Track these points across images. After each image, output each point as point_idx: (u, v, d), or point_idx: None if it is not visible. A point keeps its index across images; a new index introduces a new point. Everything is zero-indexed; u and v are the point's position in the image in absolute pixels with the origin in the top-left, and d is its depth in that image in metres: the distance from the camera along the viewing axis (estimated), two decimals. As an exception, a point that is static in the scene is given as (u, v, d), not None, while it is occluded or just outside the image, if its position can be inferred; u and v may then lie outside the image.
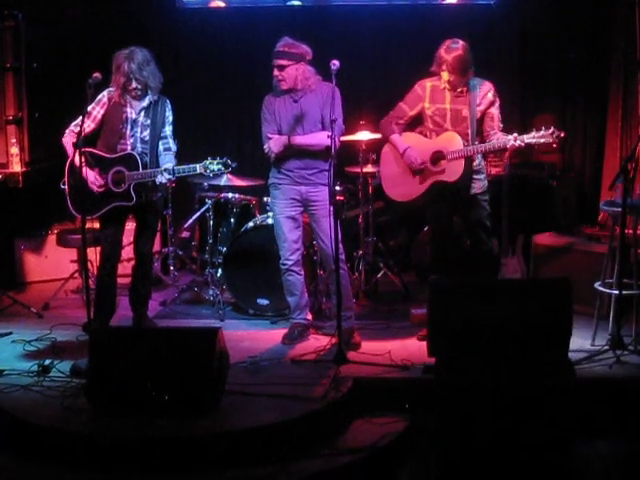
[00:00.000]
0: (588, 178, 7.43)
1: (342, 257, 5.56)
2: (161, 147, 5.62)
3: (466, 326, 4.51)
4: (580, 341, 5.46)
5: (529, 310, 4.54)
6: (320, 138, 5.45)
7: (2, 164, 6.75)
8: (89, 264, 5.73)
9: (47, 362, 5.15)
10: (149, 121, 5.56)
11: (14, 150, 6.73)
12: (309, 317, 5.89)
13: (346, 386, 4.91)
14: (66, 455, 4.38)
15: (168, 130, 5.66)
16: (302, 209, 5.69)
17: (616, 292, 5.44)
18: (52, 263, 7.27)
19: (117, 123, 5.54)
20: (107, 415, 4.54)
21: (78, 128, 5.40)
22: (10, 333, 5.88)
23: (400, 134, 5.65)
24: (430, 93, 5.54)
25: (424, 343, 4.78)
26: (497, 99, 5.53)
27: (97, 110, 5.53)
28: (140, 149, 5.56)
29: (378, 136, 6.47)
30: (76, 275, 6.89)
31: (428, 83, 5.55)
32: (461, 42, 5.38)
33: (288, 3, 7.85)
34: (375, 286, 6.89)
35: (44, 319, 6.28)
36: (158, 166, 5.54)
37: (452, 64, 5.34)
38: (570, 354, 4.61)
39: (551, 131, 5.28)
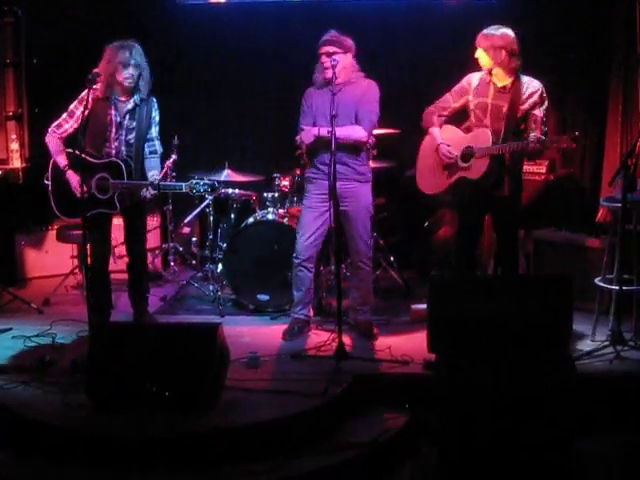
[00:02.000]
0: (588, 174, 7.41)
1: (370, 255, 5.72)
2: (147, 150, 5.57)
3: (466, 322, 4.50)
4: (580, 337, 5.46)
5: (529, 307, 4.54)
6: (351, 131, 5.45)
7: (2, 160, 6.76)
8: (89, 260, 5.72)
9: (47, 358, 5.15)
10: (134, 124, 5.50)
11: (14, 146, 6.74)
12: (310, 313, 5.89)
13: (346, 382, 4.91)
14: (66, 451, 4.36)
15: (154, 132, 5.60)
16: None
17: (616, 288, 5.44)
18: (52, 259, 7.28)
19: (101, 126, 5.46)
20: (107, 411, 4.53)
21: (60, 129, 5.46)
22: (10, 329, 5.87)
23: (440, 126, 5.61)
24: (476, 86, 5.47)
25: (424, 339, 4.78)
26: (545, 101, 5.39)
27: (80, 109, 5.40)
28: (125, 152, 5.49)
29: (380, 132, 6.47)
30: (76, 271, 6.89)
31: (477, 75, 5.49)
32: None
33: (288, -2, 7.85)
34: (376, 282, 6.88)
35: (44, 315, 6.26)
36: (143, 170, 5.50)
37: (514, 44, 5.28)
38: (570, 350, 4.62)
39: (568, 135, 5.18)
